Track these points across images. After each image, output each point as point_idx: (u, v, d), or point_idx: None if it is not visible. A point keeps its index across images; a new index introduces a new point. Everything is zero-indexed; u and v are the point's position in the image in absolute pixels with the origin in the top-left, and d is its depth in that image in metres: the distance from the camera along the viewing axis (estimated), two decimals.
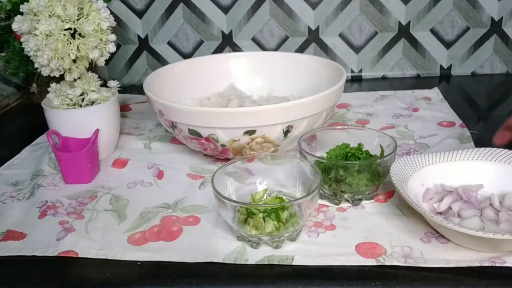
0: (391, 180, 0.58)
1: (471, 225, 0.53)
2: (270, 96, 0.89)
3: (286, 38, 1.11)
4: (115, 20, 0.72)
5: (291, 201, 0.56)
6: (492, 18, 1.07)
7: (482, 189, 0.60)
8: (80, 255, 0.55)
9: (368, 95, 1.02)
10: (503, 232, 0.51)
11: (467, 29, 1.08)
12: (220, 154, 0.72)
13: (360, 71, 1.14)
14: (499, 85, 1.08)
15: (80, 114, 0.72)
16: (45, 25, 0.65)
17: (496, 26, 1.08)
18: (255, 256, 0.53)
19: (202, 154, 0.76)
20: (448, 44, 1.10)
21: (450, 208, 0.58)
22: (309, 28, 1.10)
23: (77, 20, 0.68)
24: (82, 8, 0.68)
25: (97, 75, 0.76)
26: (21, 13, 0.68)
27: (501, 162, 0.62)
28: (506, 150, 0.63)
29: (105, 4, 0.71)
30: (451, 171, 0.62)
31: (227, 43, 1.12)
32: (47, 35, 0.66)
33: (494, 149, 0.63)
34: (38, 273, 0.53)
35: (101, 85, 0.77)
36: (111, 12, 0.72)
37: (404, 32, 1.09)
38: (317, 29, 1.10)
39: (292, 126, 0.68)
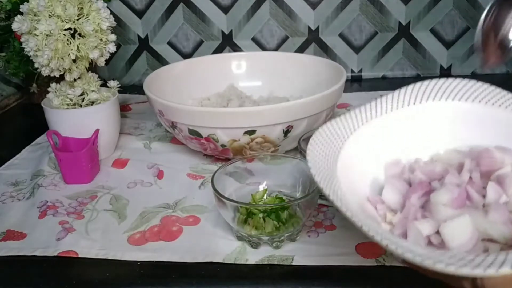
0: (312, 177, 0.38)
1: (460, 230, 0.36)
2: (270, 96, 0.88)
3: (286, 38, 1.11)
4: (115, 20, 0.72)
5: (291, 201, 0.56)
6: None
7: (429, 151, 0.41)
8: (80, 255, 0.55)
9: (368, 95, 1.02)
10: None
11: (467, 29, 1.08)
12: (220, 154, 0.72)
13: (360, 71, 1.14)
14: (499, 85, 1.07)
15: (80, 114, 0.72)
16: (45, 25, 0.65)
17: None
18: (255, 256, 0.53)
19: (202, 154, 0.76)
20: (448, 44, 1.10)
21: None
22: (309, 28, 1.10)
23: (77, 20, 0.68)
24: (82, 8, 0.68)
25: (97, 75, 0.76)
26: (21, 13, 0.68)
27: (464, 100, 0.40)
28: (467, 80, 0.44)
29: (105, 4, 0.71)
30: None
31: (227, 43, 1.12)
32: (47, 35, 0.66)
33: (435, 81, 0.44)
34: (38, 273, 0.53)
35: (101, 85, 0.77)
36: (111, 12, 0.72)
37: (404, 32, 1.09)
38: (317, 29, 1.10)
39: (292, 126, 0.67)
